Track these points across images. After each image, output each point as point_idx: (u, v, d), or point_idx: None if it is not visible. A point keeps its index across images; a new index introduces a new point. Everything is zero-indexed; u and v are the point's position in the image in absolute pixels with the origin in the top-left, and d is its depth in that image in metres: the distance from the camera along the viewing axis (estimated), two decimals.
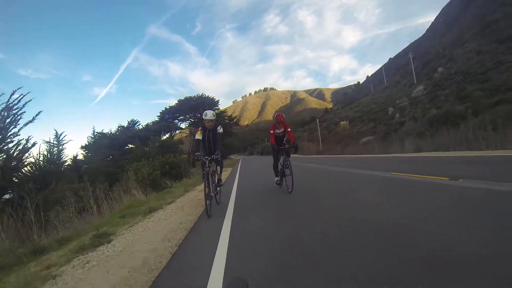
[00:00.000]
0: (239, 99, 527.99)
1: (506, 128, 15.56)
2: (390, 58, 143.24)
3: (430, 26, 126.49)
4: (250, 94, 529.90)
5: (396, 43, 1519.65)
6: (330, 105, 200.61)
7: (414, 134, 26.07)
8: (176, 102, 53.82)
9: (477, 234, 3.13)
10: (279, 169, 8.91)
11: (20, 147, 17.70)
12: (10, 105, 17.19)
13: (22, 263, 4.63)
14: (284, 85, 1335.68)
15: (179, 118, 53.62)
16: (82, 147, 36.73)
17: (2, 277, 4.01)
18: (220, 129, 6.98)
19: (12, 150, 17.16)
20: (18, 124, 17.43)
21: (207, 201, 6.01)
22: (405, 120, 37.49)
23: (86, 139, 39.14)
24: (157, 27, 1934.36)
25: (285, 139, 9.18)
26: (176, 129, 53.67)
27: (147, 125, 48.66)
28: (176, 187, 13.62)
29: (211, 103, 52.14)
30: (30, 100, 18.08)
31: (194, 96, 53.68)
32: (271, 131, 8.94)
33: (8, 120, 17.10)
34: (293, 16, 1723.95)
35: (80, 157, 33.69)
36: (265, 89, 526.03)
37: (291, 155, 8.80)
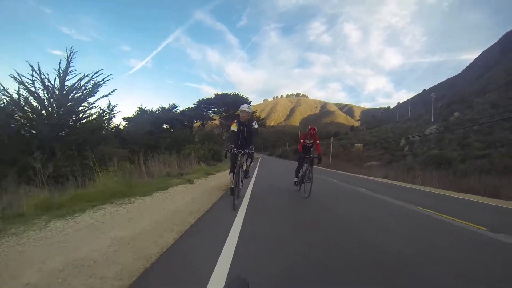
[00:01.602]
0: (270, 99, 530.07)
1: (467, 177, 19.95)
2: (425, 89, 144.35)
3: (468, 66, 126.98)
4: (281, 96, 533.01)
5: (436, 75, 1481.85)
6: (357, 124, 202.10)
7: (407, 167, 30.50)
8: (214, 95, 60.30)
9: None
10: (300, 175, 9.86)
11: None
12: (97, 82, 22.90)
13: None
14: (316, 94, 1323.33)
15: (212, 110, 59.65)
16: (124, 118, 42.07)
17: (169, 178, 9.94)
18: (255, 125, 7.24)
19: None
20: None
21: (234, 193, 6.55)
22: (409, 154, 41.56)
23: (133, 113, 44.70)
24: (203, 12, 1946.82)
25: (311, 149, 10.04)
26: (208, 119, 59.51)
27: (184, 110, 54.31)
28: (220, 166, 20.15)
29: (244, 102, 57.34)
30: (110, 78, 23.79)
31: (231, 93, 59.77)
32: (301, 140, 10.03)
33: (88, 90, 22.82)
34: (338, 28, 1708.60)
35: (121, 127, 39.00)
36: (297, 95, 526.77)
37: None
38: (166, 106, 48.54)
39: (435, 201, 11.07)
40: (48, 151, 15.43)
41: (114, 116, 29.52)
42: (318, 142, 9.66)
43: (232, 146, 6.70)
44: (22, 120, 16.37)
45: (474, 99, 58.62)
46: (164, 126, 44.06)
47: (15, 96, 16.60)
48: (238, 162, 6.70)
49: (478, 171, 20.69)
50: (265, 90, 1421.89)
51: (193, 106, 59.01)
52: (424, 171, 24.76)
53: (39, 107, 17.49)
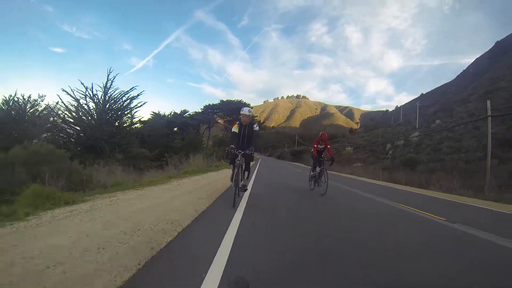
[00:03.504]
0: (271, 100, 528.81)
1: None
2: (422, 93, 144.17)
3: (461, 73, 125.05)
4: (282, 97, 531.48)
5: (437, 78, 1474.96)
6: (356, 126, 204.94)
7: (383, 168, 36.09)
8: (219, 101, 66.32)
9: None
10: (314, 176, 10.91)
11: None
12: (130, 96, 28.66)
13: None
14: (317, 95, 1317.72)
15: (218, 114, 65.61)
16: (140, 121, 47.58)
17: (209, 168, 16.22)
18: (256, 127, 7.42)
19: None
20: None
21: (236, 192, 6.94)
22: (389, 157, 47.26)
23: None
24: (204, 12, 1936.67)
25: (323, 153, 10.93)
26: (214, 122, 65.74)
27: (193, 114, 60.47)
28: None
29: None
30: (142, 93, 29.54)
31: (235, 100, 66.12)
32: (315, 145, 10.88)
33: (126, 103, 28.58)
34: (340, 29, 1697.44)
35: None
36: (298, 96, 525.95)
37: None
38: (178, 111, 54.69)
39: (386, 191, 15.52)
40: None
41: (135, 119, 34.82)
42: (329, 146, 10.74)
43: (233, 146, 6.92)
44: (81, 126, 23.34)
45: (455, 107, 62.30)
46: (175, 129, 50.28)
47: (73, 109, 23.67)
48: (237, 162, 6.99)
49: (429, 171, 26.49)
50: (266, 91, 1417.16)
51: (200, 111, 65.39)
52: (392, 170, 30.45)
53: (90, 118, 24.18)
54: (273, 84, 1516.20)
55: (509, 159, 24.58)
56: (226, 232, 4.49)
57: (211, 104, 66.36)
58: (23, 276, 2.51)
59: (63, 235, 3.65)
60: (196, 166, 18.89)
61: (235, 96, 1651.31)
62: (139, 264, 3.11)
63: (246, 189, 8.16)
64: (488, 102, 17.85)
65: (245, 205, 7.02)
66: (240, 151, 6.94)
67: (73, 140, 24.02)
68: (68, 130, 24.84)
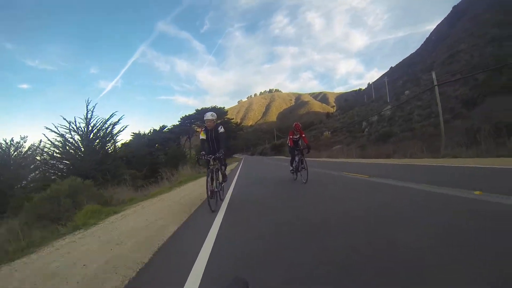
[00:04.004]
0: (245, 99, 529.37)
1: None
2: (391, 67, 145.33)
3: (424, 41, 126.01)
4: (255, 95, 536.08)
5: (404, 49, 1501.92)
6: (332, 110, 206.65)
7: (361, 146, 38.03)
8: (195, 111, 67.56)
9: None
10: (294, 166, 11.25)
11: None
12: (111, 122, 29.84)
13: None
14: (290, 86, 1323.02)
15: (195, 123, 66.89)
16: (122, 144, 48.17)
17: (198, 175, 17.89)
18: (221, 129, 7.41)
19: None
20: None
21: (210, 198, 6.80)
22: (365, 135, 49.14)
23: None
24: (166, 23, 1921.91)
25: (299, 142, 11.20)
26: (193, 132, 66.86)
27: (171, 127, 61.84)
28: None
29: (221, 112, 66.32)
30: (122, 117, 30.69)
31: (209, 107, 67.40)
32: (290, 136, 11.13)
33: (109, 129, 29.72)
34: (301, 18, 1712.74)
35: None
36: (270, 91, 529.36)
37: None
38: (156, 127, 55.70)
39: (343, 166, 17.97)
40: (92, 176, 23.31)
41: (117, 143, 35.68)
42: (304, 135, 10.97)
43: (203, 153, 7.05)
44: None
45: (422, 76, 64.09)
46: (156, 146, 51.42)
47: (60, 144, 24.80)
48: (210, 167, 7.02)
49: (400, 141, 28.62)
50: (238, 91, 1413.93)
51: (177, 123, 66.64)
52: (367, 146, 32.56)
53: (77, 151, 25.32)
54: (244, 83, 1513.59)
55: (471, 117, 26.22)
56: (217, 215, 6.25)
57: (187, 115, 67.83)
58: (133, 231, 5.45)
59: (131, 224, 6.26)
60: (187, 176, 20.44)
61: (208, 101, 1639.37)
62: (181, 220, 6.21)
63: (226, 181, 8.30)
64: (433, 73, 20.19)
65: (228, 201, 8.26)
66: (210, 155, 7.01)
67: (64, 174, 24.97)
68: (59, 165, 25.78)
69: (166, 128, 56.97)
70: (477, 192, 5.49)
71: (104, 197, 11.48)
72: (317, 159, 34.08)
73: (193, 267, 3.18)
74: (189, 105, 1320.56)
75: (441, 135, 18.74)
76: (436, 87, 20.01)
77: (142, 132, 52.22)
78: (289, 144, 11.20)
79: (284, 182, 11.67)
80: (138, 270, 3.42)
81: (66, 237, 5.44)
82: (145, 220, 6.29)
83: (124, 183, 22.06)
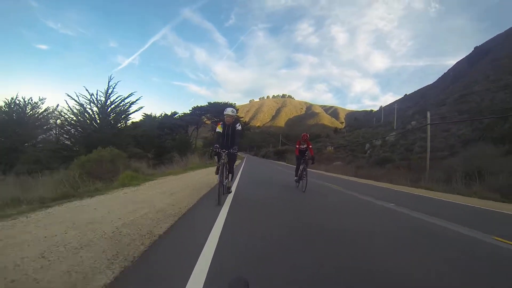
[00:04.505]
0: (256, 99, 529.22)
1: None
2: (406, 94, 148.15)
3: (441, 76, 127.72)
4: (268, 97, 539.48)
5: (423, 78, 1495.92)
6: (341, 126, 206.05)
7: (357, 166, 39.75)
8: (207, 103, 69.76)
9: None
10: (298, 174, 11.45)
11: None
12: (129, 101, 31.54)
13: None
14: (303, 94, 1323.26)
15: (206, 115, 68.99)
16: (132, 122, 50.05)
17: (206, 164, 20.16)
18: (238, 126, 7.59)
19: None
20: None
21: (220, 189, 6.95)
22: (366, 156, 50.75)
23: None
24: (191, 10, 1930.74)
25: (306, 152, 11.25)
26: (202, 124, 69.22)
27: (181, 115, 64.11)
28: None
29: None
30: (141, 97, 32.33)
31: (222, 102, 69.06)
32: (297, 146, 11.42)
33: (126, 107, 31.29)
34: (326, 29, 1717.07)
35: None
36: (283, 95, 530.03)
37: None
38: (167, 112, 57.49)
39: (334, 180, 19.54)
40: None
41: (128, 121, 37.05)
42: (310, 146, 11.08)
43: (217, 145, 7.02)
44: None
45: (431, 110, 64.24)
46: (165, 130, 53.09)
47: (78, 113, 26.35)
48: (221, 161, 7.01)
49: (394, 168, 30.24)
50: (252, 90, 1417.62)
51: (188, 112, 68.72)
52: (364, 168, 34.16)
53: (94, 122, 26.94)
54: (258, 84, 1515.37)
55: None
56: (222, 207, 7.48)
57: (199, 106, 69.17)
58: (177, 189, 8.87)
59: (165, 187, 9.02)
60: (195, 164, 22.39)
61: (220, 94, 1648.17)
62: (206, 190, 9.24)
63: (231, 191, 8.26)
64: (428, 113, 21.92)
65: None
66: (224, 150, 7.06)
67: (79, 139, 26.61)
68: (74, 132, 27.39)
69: (177, 115, 58.81)
70: (391, 204, 8.74)
71: (133, 167, 13.38)
72: (316, 171, 35.42)
73: (221, 211, 5.97)
74: (201, 94, 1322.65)
75: (426, 169, 20.44)
76: (429, 126, 21.85)
77: (153, 114, 54.77)
78: (295, 153, 11.57)
79: (287, 187, 12.41)
80: (190, 206, 6.54)
81: (123, 189, 7.48)
82: (181, 185, 9.19)
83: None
